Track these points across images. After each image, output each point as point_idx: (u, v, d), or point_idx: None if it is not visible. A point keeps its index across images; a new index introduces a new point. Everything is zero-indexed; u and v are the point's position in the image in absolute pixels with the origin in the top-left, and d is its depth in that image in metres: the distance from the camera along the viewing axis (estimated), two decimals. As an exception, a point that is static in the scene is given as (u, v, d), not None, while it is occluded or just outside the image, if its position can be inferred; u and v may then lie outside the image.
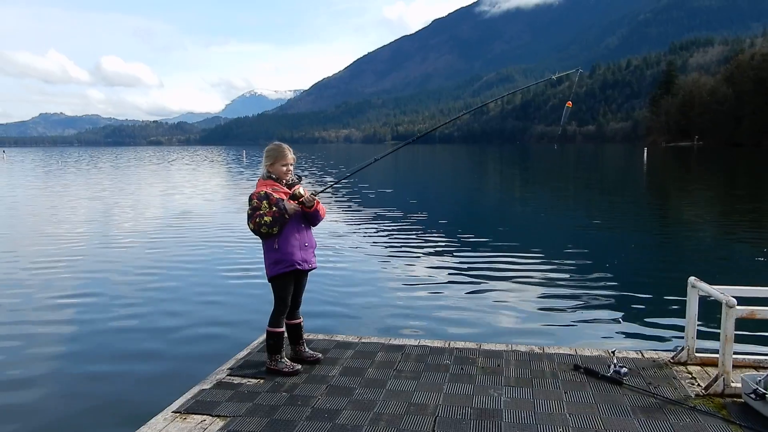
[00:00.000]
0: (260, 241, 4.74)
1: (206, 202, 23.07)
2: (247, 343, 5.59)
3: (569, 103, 5.24)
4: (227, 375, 4.77)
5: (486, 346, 5.41)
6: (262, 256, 4.78)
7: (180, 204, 22.48)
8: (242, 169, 51.63)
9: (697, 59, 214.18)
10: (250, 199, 4.64)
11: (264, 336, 4.95)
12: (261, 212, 4.56)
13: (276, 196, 4.62)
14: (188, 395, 4.37)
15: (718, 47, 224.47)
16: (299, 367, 4.81)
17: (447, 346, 5.43)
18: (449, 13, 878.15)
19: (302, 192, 4.75)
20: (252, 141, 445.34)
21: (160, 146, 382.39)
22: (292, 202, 4.65)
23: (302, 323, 5.07)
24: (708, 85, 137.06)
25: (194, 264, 11.24)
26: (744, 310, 4.21)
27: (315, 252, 4.98)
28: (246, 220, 4.66)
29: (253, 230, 4.61)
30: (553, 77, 5.63)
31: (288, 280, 4.75)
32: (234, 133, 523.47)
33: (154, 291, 9.18)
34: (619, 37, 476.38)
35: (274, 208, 4.56)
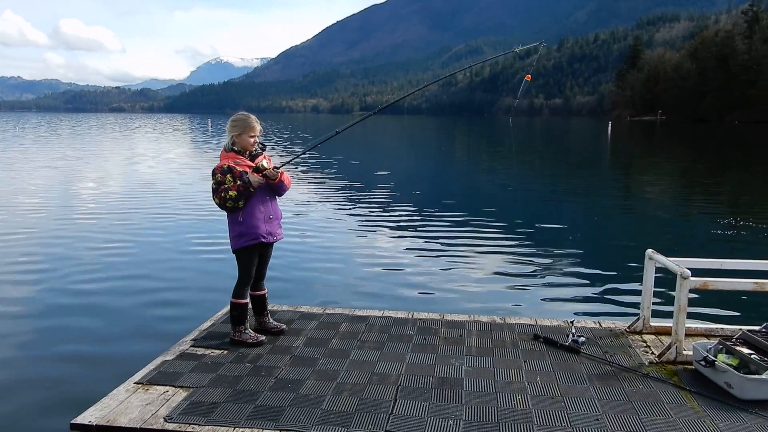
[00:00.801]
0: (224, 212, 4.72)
1: (170, 172, 22.68)
2: (210, 314, 5.57)
3: (528, 77, 5.25)
4: (190, 346, 4.75)
5: (449, 317, 5.49)
6: (226, 227, 4.76)
7: (142, 174, 22.06)
8: (208, 138, 50.80)
9: (663, 35, 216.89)
10: (214, 173, 4.61)
11: (228, 307, 4.93)
12: (226, 186, 4.54)
13: (239, 169, 4.59)
14: (150, 366, 4.35)
15: (683, 23, 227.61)
16: (263, 338, 4.82)
17: (410, 317, 5.50)
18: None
19: (266, 164, 4.73)
20: (218, 109, 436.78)
21: (122, 113, 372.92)
22: (256, 174, 4.62)
23: (267, 294, 5.07)
24: (673, 61, 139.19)
25: (157, 235, 11.09)
26: (697, 281, 4.35)
27: (281, 223, 4.98)
28: (211, 195, 4.63)
29: (218, 205, 4.61)
30: (517, 50, 5.61)
31: (252, 252, 4.75)
32: (199, 101, 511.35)
33: (116, 263, 9.03)
34: (588, 11, 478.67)
35: (239, 182, 4.54)
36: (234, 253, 4.76)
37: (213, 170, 4.62)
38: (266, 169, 4.67)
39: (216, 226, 11.50)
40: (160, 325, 6.37)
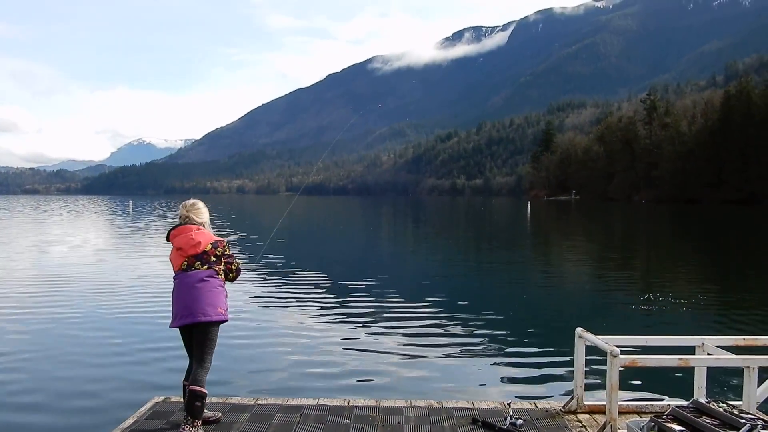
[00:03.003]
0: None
1: (84, 257, 21.66)
2: (133, 408, 5.21)
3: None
4: (110, 447, 4.40)
5: (385, 403, 5.37)
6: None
7: (55, 260, 20.96)
8: (129, 221, 49.15)
9: (572, 120, 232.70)
10: (229, 245, 4.84)
11: (150, 403, 4.64)
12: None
13: None
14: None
15: (590, 109, 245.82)
16: None
17: (346, 404, 5.34)
18: (343, 69, 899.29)
19: None
20: (140, 191, 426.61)
21: (35, 195, 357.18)
22: None
23: None
24: (582, 144, 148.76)
25: (65, 324, 10.40)
26: (626, 359, 4.47)
27: None
28: (227, 265, 4.76)
29: (239, 271, 4.86)
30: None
31: None
32: (120, 183, 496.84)
33: (25, 355, 8.38)
34: (503, 97, 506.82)
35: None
36: (213, 328, 4.62)
37: (224, 244, 4.77)
38: None
39: (135, 314, 10.94)
40: (77, 422, 5.90)
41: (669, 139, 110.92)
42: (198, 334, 4.57)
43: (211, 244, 4.65)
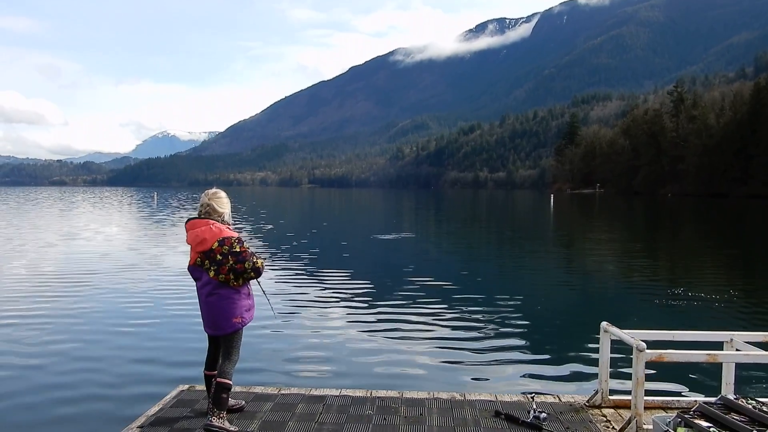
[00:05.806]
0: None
1: (108, 248, 21.99)
2: (158, 397, 5.28)
3: None
4: (137, 434, 4.47)
5: (408, 395, 5.37)
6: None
7: (80, 251, 21.31)
8: (153, 212, 49.76)
9: (597, 112, 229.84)
10: (239, 241, 4.51)
11: (175, 391, 4.69)
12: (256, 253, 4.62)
13: None
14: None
15: (615, 102, 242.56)
16: (236, 429, 4.55)
17: (369, 395, 5.35)
18: (365, 62, 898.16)
19: None
20: (164, 182, 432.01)
21: (63, 186, 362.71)
22: None
23: None
24: (607, 137, 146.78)
25: (92, 314, 10.59)
26: (653, 354, 4.41)
27: None
28: (240, 263, 4.45)
29: (258, 270, 4.53)
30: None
31: None
32: (145, 175, 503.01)
33: (47, 343, 8.54)
34: (526, 89, 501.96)
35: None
36: (234, 336, 4.61)
37: (236, 239, 4.51)
38: None
39: (157, 302, 11.09)
40: (101, 412, 5.99)
41: (696, 132, 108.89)
42: (221, 339, 4.65)
43: (217, 241, 4.44)
